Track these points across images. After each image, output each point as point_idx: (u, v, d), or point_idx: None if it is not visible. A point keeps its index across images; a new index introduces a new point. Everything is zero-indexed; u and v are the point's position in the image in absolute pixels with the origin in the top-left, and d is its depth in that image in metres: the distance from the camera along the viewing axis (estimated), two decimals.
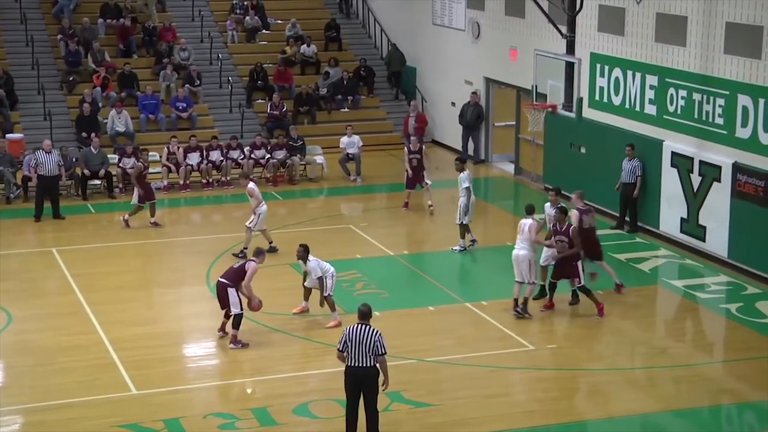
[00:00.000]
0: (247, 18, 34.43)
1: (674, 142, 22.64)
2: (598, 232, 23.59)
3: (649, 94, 23.40)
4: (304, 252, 18.07)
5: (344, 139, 28.53)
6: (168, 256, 22.78)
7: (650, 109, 23.41)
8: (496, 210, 26.26)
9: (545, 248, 19.07)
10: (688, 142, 22.29)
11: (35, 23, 32.92)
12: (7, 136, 27.97)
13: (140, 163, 24.41)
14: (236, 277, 17.33)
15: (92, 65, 31.29)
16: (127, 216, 23.88)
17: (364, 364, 13.66)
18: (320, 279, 18.00)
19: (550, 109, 24.78)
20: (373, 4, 36.03)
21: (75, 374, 16.34)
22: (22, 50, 31.85)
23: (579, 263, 18.36)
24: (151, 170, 25.24)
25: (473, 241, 22.26)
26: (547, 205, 19.80)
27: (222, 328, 17.64)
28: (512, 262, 18.66)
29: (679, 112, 22.56)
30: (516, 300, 18.63)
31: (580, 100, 25.11)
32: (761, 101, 20.28)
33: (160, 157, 27.22)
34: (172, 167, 27.16)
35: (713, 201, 21.54)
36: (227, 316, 17.50)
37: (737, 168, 20.85)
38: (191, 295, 20.24)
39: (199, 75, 31.74)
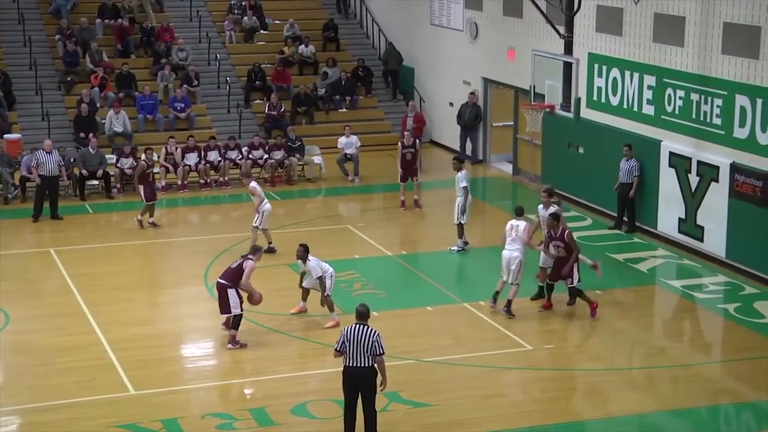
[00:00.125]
0: (245, 18, 34.44)
1: (672, 143, 22.65)
2: (597, 233, 23.76)
3: (647, 94, 23.41)
4: (303, 252, 18.06)
5: (342, 140, 28.53)
6: (166, 257, 22.79)
7: (648, 110, 23.43)
8: (494, 210, 26.26)
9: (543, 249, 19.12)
10: (686, 142, 22.31)
11: (33, 23, 32.91)
12: (5, 136, 27.96)
13: (143, 162, 24.31)
14: (235, 276, 17.33)
15: (90, 65, 31.29)
16: (139, 216, 23.83)
17: (363, 365, 13.67)
18: (320, 279, 18.00)
19: (548, 110, 24.82)
20: (371, 4, 36.03)
21: (73, 374, 16.34)
22: (20, 50, 31.85)
23: (575, 265, 18.34)
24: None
25: (465, 243, 22.24)
26: (540, 206, 19.77)
27: (226, 322, 17.60)
28: (503, 262, 18.68)
29: (676, 112, 22.58)
30: (497, 293, 18.80)
31: (578, 100, 25.13)
32: (759, 101, 20.30)
33: (158, 157, 27.20)
34: (170, 167, 27.15)
35: (711, 201, 21.55)
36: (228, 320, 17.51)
37: (735, 168, 20.86)
38: (189, 295, 20.24)
39: (197, 75, 31.75)
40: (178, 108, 30.51)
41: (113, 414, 15.04)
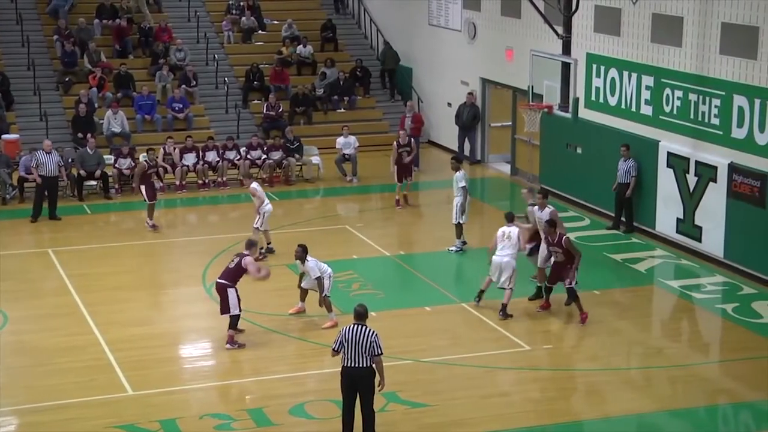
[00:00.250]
0: (243, 18, 34.44)
1: (670, 143, 22.66)
2: (595, 233, 23.77)
3: (645, 94, 23.42)
4: (302, 252, 18.06)
5: (340, 140, 28.53)
6: (164, 257, 22.79)
7: (646, 110, 23.43)
8: (493, 210, 26.24)
9: (541, 251, 19.14)
10: (684, 142, 22.31)
11: (31, 24, 32.91)
12: (3, 136, 27.98)
13: (144, 163, 24.27)
14: (234, 276, 17.33)
15: (88, 66, 31.29)
16: (150, 221, 23.70)
17: (361, 365, 13.67)
18: (318, 279, 18.00)
19: (546, 110, 24.82)
20: (369, 4, 36.04)
21: (71, 375, 16.34)
22: (17, 51, 31.85)
23: (575, 267, 18.29)
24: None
25: (464, 243, 22.25)
26: (535, 208, 19.76)
27: (229, 338, 17.56)
28: (494, 267, 18.74)
29: (674, 112, 22.58)
30: (482, 291, 18.96)
31: (576, 100, 25.14)
32: (757, 102, 20.31)
33: (157, 157, 27.17)
34: (169, 168, 27.15)
35: (709, 201, 21.56)
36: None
37: (733, 168, 20.87)
38: (188, 295, 20.24)
39: (195, 75, 31.75)
40: (176, 108, 30.51)
41: (111, 414, 15.04)
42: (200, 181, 27.53)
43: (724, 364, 17.25)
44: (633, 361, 17.39)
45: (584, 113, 25.35)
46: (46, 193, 24.65)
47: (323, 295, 18.06)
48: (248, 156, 27.87)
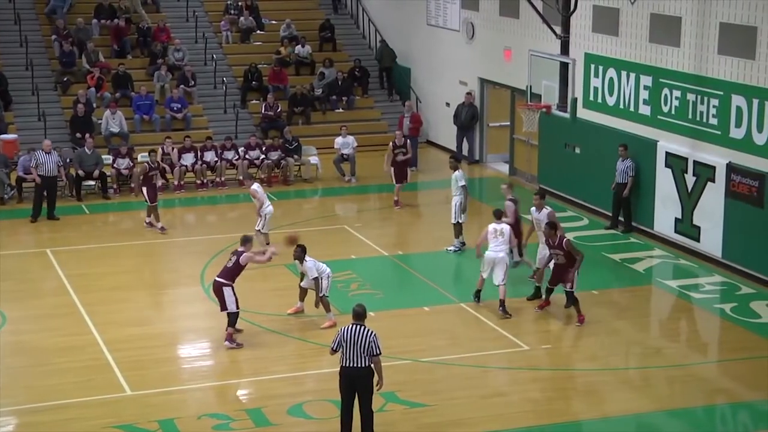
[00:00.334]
0: (242, 18, 34.43)
1: (668, 143, 22.67)
2: (594, 233, 23.78)
3: (644, 94, 23.43)
4: (301, 252, 18.07)
5: (339, 140, 28.53)
6: (163, 257, 22.78)
7: (644, 110, 23.44)
8: (491, 210, 26.19)
9: (539, 251, 19.16)
10: (682, 142, 22.32)
11: (29, 24, 32.90)
12: (1, 136, 27.96)
13: (145, 164, 24.23)
14: (232, 274, 17.34)
15: (86, 66, 31.27)
16: (158, 223, 23.68)
17: (359, 365, 13.67)
18: (316, 279, 18.01)
19: (544, 110, 24.79)
20: (368, 4, 36.04)
21: (70, 375, 16.33)
22: (16, 51, 31.84)
23: (576, 270, 18.26)
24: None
25: (462, 243, 22.25)
26: (533, 209, 19.76)
27: (228, 336, 17.55)
28: (486, 263, 18.88)
29: (673, 112, 22.59)
30: (479, 291, 19.05)
31: (575, 100, 25.14)
32: (755, 101, 20.32)
33: (158, 158, 27.16)
34: (167, 168, 27.13)
35: (707, 201, 21.57)
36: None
37: (731, 168, 20.88)
38: (186, 295, 20.24)
39: (193, 75, 31.74)
40: (175, 108, 30.50)
41: (110, 414, 15.03)
42: (198, 181, 27.53)
43: (723, 364, 17.26)
44: (631, 361, 17.39)
45: (582, 113, 25.36)
46: (45, 193, 24.64)
47: (321, 295, 18.07)
48: (247, 156, 27.87)
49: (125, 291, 20.17)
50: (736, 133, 20.84)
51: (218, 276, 17.45)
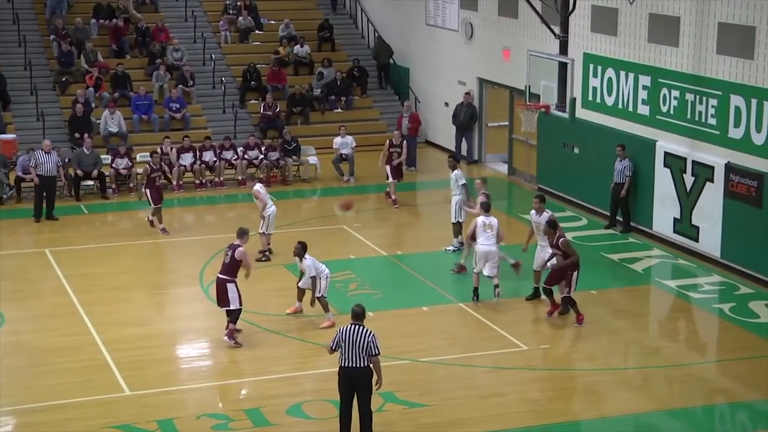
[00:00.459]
0: (240, 18, 34.43)
1: (667, 143, 22.68)
2: (592, 233, 23.78)
3: (642, 94, 23.44)
4: (300, 249, 18.08)
5: (337, 140, 28.53)
6: (162, 257, 22.78)
7: (643, 110, 23.45)
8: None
9: (537, 253, 19.19)
10: (681, 142, 22.33)
11: (28, 23, 32.89)
12: (0, 136, 27.93)
13: (147, 166, 24.18)
14: (232, 269, 17.33)
15: (85, 66, 31.26)
16: (160, 225, 23.65)
17: (358, 365, 13.67)
18: (313, 278, 18.01)
19: (543, 110, 24.77)
20: (366, 4, 36.04)
21: (69, 375, 16.33)
22: (14, 51, 31.83)
23: (575, 273, 18.23)
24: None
25: (461, 243, 22.25)
26: (533, 212, 19.76)
27: (229, 332, 17.55)
28: (479, 257, 19.07)
29: (671, 112, 22.60)
30: (476, 289, 19.20)
31: (573, 100, 25.06)
32: (754, 101, 20.32)
33: (160, 159, 27.13)
34: (166, 168, 27.09)
35: (706, 201, 21.57)
36: (229, 315, 17.46)
37: (730, 168, 20.89)
38: (185, 295, 20.24)
39: (192, 75, 31.73)
40: (174, 108, 30.49)
41: (109, 414, 15.03)
42: (197, 181, 27.53)
43: (721, 364, 17.27)
44: (630, 361, 17.39)
45: (581, 113, 25.34)
46: (44, 193, 24.63)
47: (319, 295, 18.07)
48: (245, 156, 27.86)
49: (124, 291, 20.17)
50: (735, 133, 20.85)
51: (220, 273, 17.45)
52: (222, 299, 17.33)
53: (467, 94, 29.97)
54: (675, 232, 22.51)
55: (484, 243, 19.03)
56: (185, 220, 25.73)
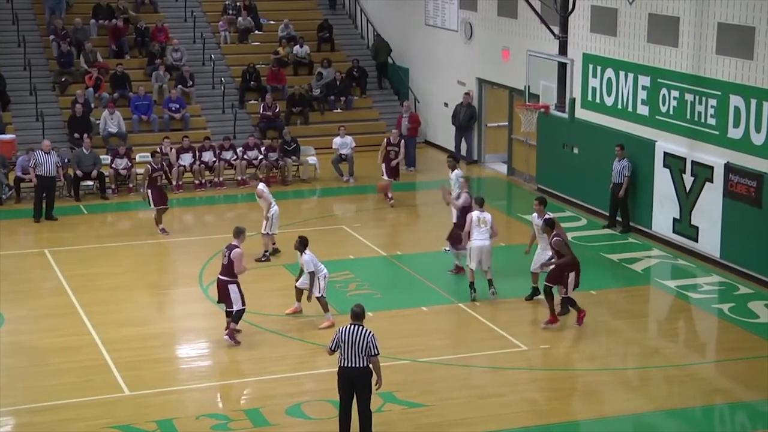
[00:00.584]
0: (240, 19, 34.42)
1: (666, 143, 22.68)
2: (592, 233, 23.78)
3: (642, 94, 23.44)
4: (300, 244, 18.08)
5: (337, 140, 28.54)
6: (161, 257, 22.78)
7: (642, 110, 23.45)
8: (490, 210, 26.16)
9: (536, 255, 19.20)
10: (681, 142, 22.33)
11: (27, 24, 32.89)
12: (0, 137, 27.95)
13: (148, 166, 24.14)
14: (231, 270, 17.33)
15: (84, 66, 31.26)
16: (160, 225, 23.52)
17: (357, 365, 13.67)
18: (311, 274, 17.98)
19: (542, 110, 24.77)
20: (366, 4, 36.04)
21: (68, 375, 16.33)
22: (14, 51, 31.82)
23: (571, 274, 18.20)
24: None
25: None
26: (534, 215, 19.73)
27: (229, 332, 17.53)
28: (474, 252, 19.15)
29: (671, 112, 22.60)
30: (472, 283, 19.27)
31: (573, 100, 25.05)
32: (753, 102, 20.32)
33: (161, 160, 27.09)
34: (166, 168, 27.09)
35: (706, 201, 21.58)
36: (229, 315, 17.45)
37: (729, 168, 20.89)
38: (184, 296, 20.24)
39: (191, 76, 31.73)
40: (173, 108, 30.49)
41: (108, 415, 15.03)
42: (197, 182, 27.52)
43: (721, 364, 17.27)
44: (629, 361, 17.39)
45: (581, 113, 25.31)
46: (43, 193, 24.62)
47: (319, 295, 18.06)
48: (245, 156, 27.86)
49: (123, 291, 20.16)
50: (734, 133, 20.85)
51: (220, 274, 17.45)
52: (224, 300, 17.34)
53: (467, 94, 29.97)
54: (674, 232, 22.51)
55: (478, 238, 19.10)
56: (185, 221, 25.72)
